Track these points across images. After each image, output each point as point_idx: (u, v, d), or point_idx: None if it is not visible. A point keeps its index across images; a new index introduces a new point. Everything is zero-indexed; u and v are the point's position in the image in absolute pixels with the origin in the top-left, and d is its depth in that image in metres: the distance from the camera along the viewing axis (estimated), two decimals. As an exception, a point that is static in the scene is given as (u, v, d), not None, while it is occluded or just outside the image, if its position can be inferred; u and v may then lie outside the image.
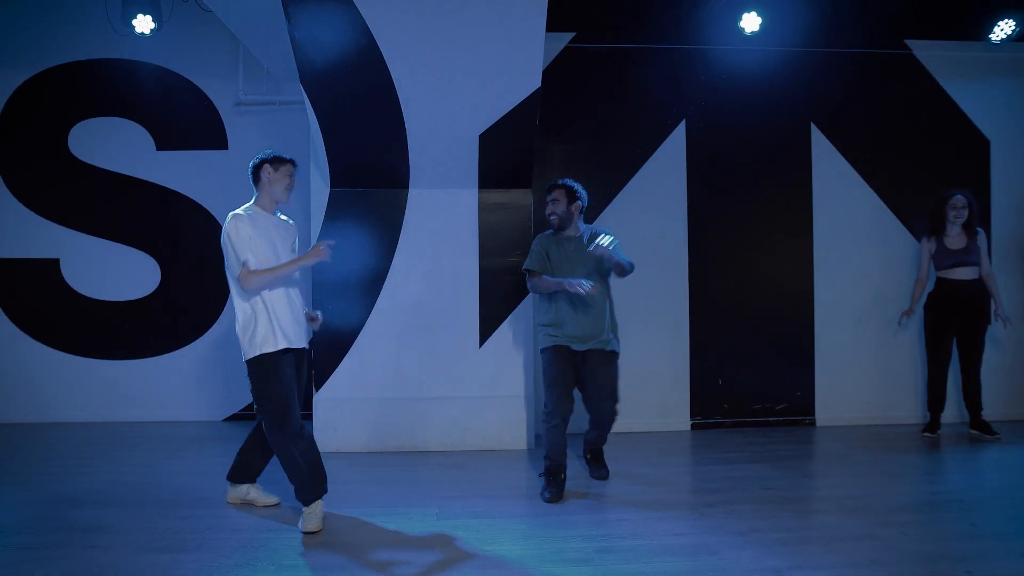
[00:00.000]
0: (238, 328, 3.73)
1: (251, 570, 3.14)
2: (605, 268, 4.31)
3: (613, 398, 4.29)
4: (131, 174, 6.34)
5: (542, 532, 3.60)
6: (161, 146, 6.35)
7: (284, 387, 3.66)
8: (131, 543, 3.43)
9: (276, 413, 3.64)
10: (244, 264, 3.63)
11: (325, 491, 3.75)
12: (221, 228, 3.75)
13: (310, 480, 3.69)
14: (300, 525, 3.65)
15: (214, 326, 6.32)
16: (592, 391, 4.30)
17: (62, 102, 6.30)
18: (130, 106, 6.33)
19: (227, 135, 6.34)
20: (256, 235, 3.69)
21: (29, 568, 3.15)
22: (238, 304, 3.73)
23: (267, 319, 3.69)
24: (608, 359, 4.28)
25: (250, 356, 3.68)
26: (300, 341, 3.82)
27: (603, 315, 4.29)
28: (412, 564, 3.19)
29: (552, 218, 4.40)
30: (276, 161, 3.90)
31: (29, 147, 6.29)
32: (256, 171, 3.88)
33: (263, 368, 3.66)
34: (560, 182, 4.43)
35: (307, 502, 3.69)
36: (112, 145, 6.33)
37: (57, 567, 3.16)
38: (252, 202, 3.89)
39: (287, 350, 3.72)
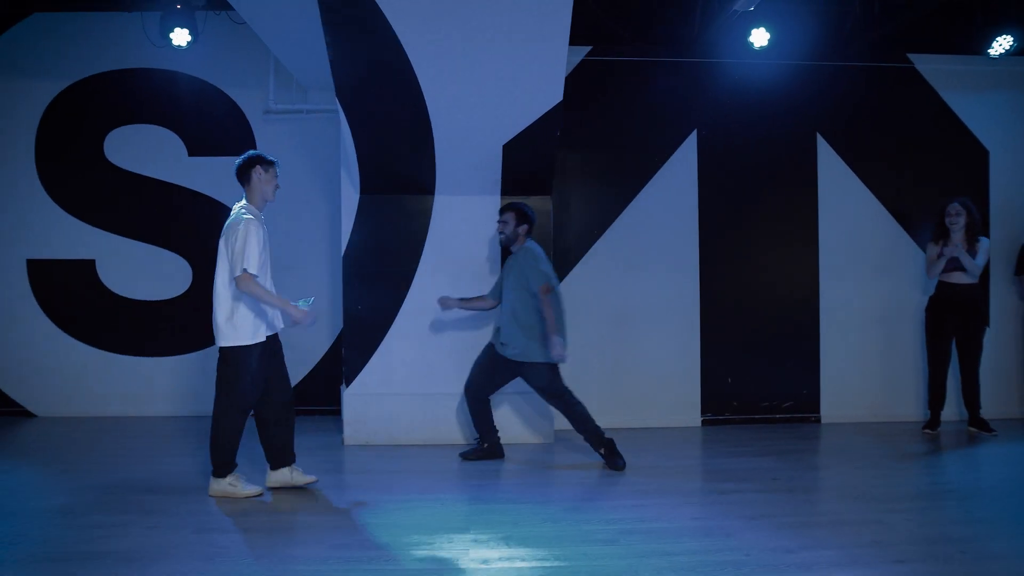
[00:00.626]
0: (221, 315, 4.05)
1: (303, 548, 3.40)
2: (532, 288, 4.79)
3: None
4: (164, 179, 6.61)
5: (568, 516, 3.88)
6: (193, 152, 6.62)
7: (252, 377, 4.07)
8: (190, 524, 3.71)
9: (234, 398, 4.07)
10: (246, 269, 3.93)
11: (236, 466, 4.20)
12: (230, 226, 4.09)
13: (231, 456, 4.14)
14: (221, 489, 4.12)
15: (243, 325, 6.59)
16: None
17: (98, 110, 6.57)
18: (163, 114, 6.60)
19: (256, 142, 6.61)
20: (263, 243, 4.05)
21: (104, 544, 3.43)
22: (223, 293, 4.05)
23: (251, 312, 4.05)
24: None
25: (229, 344, 4.04)
26: (277, 324, 4.22)
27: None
28: (454, 542, 3.46)
29: (500, 236, 5.03)
30: (265, 163, 4.19)
31: (67, 153, 6.56)
32: (246, 171, 4.16)
33: (237, 358, 4.05)
34: (513, 204, 5.01)
35: (221, 475, 4.12)
36: (146, 151, 6.59)
37: (126, 543, 3.44)
38: (246, 201, 4.17)
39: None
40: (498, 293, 5.09)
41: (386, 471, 4.78)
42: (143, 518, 3.81)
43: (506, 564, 3.21)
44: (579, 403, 4.87)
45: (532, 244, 4.99)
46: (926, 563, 3.16)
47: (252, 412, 4.21)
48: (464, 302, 5.15)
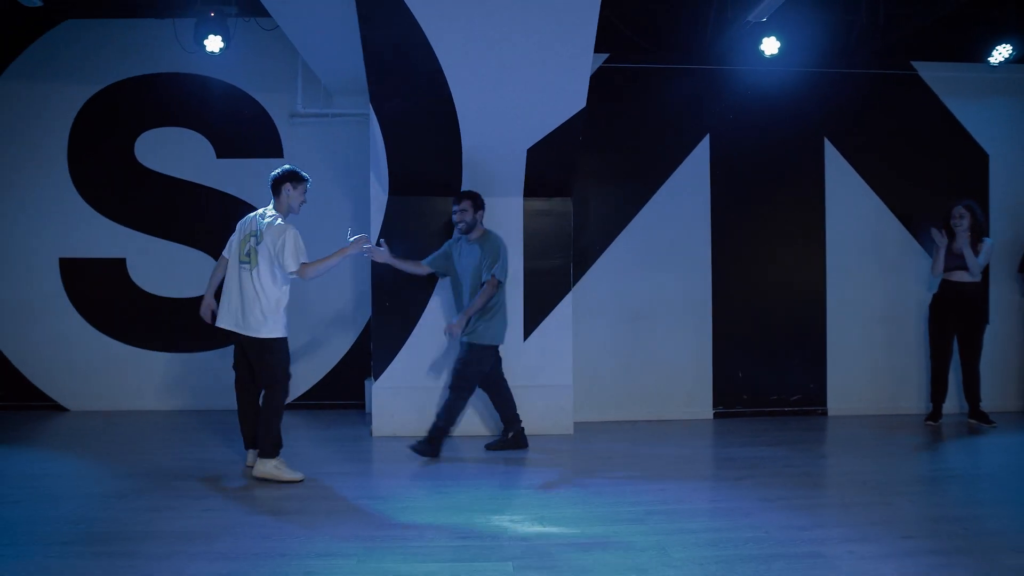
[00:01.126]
0: (267, 309, 4.41)
1: (349, 527, 3.63)
2: (484, 276, 5.14)
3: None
4: (192, 180, 6.82)
5: (595, 499, 4.11)
6: (221, 154, 6.84)
7: (289, 364, 4.60)
8: (239, 507, 3.94)
9: (286, 384, 4.52)
10: (303, 262, 4.41)
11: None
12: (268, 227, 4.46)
13: (280, 437, 4.51)
14: (267, 471, 4.41)
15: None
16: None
17: (129, 113, 6.78)
18: (192, 117, 6.82)
19: (282, 144, 6.84)
20: None
21: (162, 524, 3.66)
22: (271, 289, 4.43)
23: (285, 308, 4.51)
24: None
25: (277, 336, 4.46)
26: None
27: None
28: (491, 522, 3.70)
29: (461, 225, 5.23)
30: (297, 179, 4.61)
31: (98, 155, 6.77)
32: (278, 185, 4.59)
33: (284, 346, 4.52)
34: (466, 191, 5.28)
35: (274, 455, 4.45)
36: (175, 153, 6.81)
37: (183, 523, 3.67)
38: (273, 207, 4.59)
39: None
40: (439, 266, 5.40)
41: (416, 460, 5.00)
42: (195, 502, 4.04)
43: (544, 541, 3.45)
44: (464, 405, 5.24)
45: (497, 236, 5.28)
46: (930, 539, 3.41)
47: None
48: (398, 259, 5.28)
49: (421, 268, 5.40)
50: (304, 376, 6.74)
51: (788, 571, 3.06)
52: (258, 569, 3.11)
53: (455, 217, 5.25)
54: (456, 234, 5.37)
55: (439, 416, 5.12)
